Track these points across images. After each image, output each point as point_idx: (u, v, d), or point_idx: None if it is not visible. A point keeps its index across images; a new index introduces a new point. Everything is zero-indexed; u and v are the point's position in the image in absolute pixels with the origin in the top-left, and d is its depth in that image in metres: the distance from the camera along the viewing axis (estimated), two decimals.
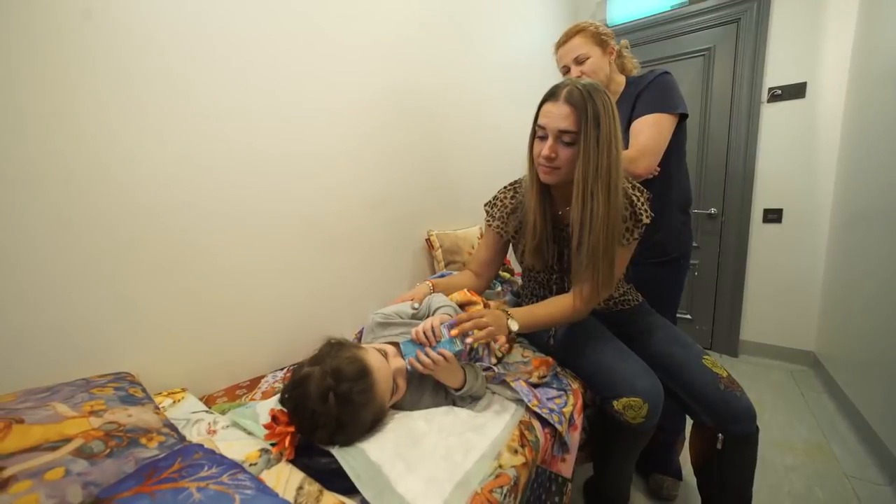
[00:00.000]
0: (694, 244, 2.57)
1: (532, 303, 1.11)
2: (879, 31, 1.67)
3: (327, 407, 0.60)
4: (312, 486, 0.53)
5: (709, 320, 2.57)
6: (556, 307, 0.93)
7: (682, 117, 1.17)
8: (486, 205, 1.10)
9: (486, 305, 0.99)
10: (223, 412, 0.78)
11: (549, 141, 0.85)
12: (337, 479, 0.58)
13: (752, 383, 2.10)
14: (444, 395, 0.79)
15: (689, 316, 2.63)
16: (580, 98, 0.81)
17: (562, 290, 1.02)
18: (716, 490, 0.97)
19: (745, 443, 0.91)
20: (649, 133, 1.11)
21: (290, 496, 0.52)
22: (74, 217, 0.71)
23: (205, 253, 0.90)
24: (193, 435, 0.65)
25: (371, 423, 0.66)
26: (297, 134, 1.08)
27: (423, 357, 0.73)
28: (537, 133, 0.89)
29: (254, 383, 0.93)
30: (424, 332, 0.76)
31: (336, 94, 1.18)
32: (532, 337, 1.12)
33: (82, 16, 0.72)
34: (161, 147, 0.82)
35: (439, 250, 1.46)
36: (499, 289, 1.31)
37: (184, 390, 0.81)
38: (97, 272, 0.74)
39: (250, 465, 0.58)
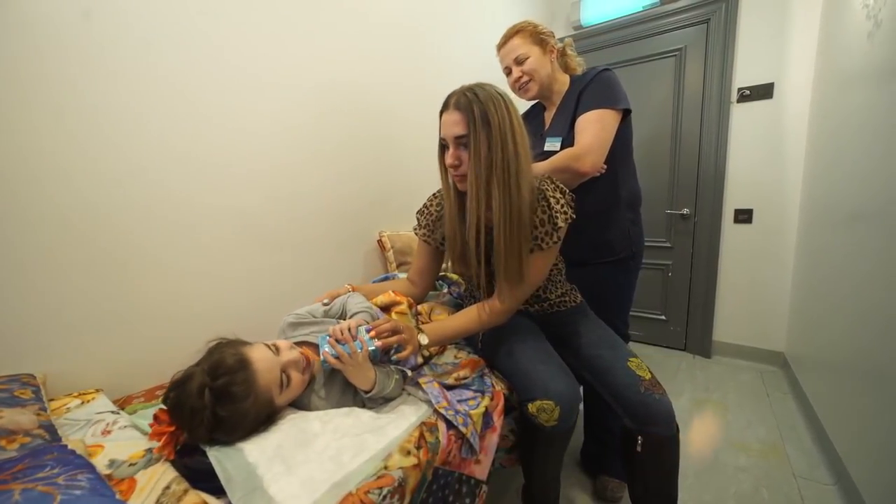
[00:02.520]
0: (668, 244, 2.58)
1: (471, 304, 1.12)
2: (840, 32, 1.67)
3: (203, 403, 0.60)
4: (179, 486, 0.54)
5: (682, 321, 2.57)
6: (464, 319, 0.95)
7: (626, 113, 1.17)
8: (417, 212, 1.11)
9: (411, 306, 0.99)
10: (134, 412, 0.79)
11: (451, 149, 0.86)
12: (217, 479, 0.58)
13: (719, 384, 2.10)
14: (352, 396, 0.80)
15: (663, 317, 2.63)
16: (466, 101, 0.83)
17: (488, 293, 1.02)
18: (640, 492, 0.97)
19: (663, 445, 0.91)
20: (593, 129, 1.10)
21: (155, 495, 0.52)
22: None
23: (128, 251, 0.90)
24: (87, 436, 0.66)
25: (257, 418, 0.67)
26: (233, 127, 1.09)
27: (337, 346, 0.74)
28: (442, 143, 0.90)
29: None
30: (341, 331, 0.77)
31: (280, 88, 1.19)
32: (469, 338, 1.13)
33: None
34: (79, 144, 0.83)
35: (391, 251, 1.47)
36: (445, 290, 1.31)
37: (97, 391, 0.81)
38: (7, 269, 0.74)
39: (130, 464, 0.59)
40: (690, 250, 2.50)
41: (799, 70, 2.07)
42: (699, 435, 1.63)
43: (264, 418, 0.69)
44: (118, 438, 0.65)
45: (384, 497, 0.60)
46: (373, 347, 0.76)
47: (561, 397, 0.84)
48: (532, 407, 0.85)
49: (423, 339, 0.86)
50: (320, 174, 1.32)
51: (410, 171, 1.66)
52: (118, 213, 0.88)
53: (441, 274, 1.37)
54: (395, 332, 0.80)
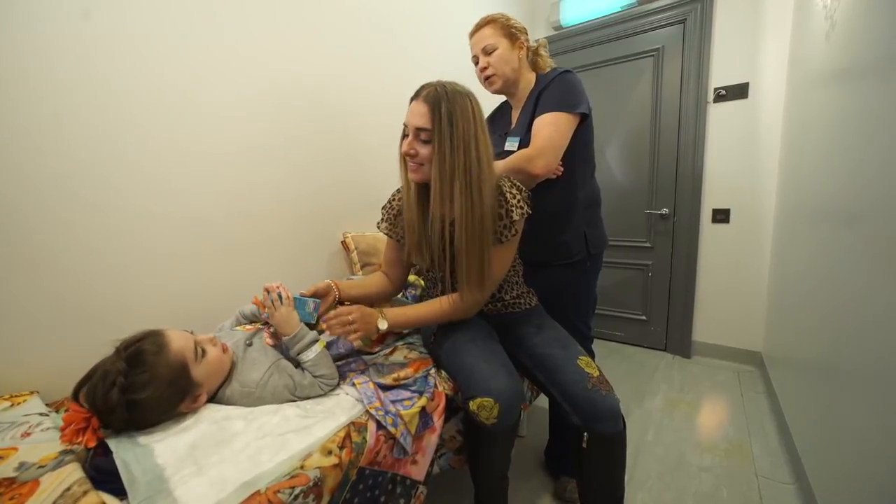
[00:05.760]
0: (648, 244, 2.57)
1: None
2: (806, 32, 1.67)
3: (116, 368, 0.64)
4: (80, 488, 0.54)
5: (663, 322, 2.57)
6: (429, 307, 0.99)
7: (584, 116, 1.16)
8: (382, 207, 1.12)
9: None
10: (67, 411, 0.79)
11: (409, 137, 0.89)
12: None
13: (695, 385, 2.09)
14: (271, 372, 0.82)
15: (643, 317, 2.63)
16: (436, 97, 0.86)
17: (451, 288, 1.02)
18: (586, 489, 0.97)
19: (609, 442, 0.91)
20: (546, 132, 1.10)
21: (53, 497, 0.52)
22: None
23: (72, 252, 0.91)
24: (7, 439, 0.65)
25: (172, 383, 0.69)
26: (187, 125, 1.09)
27: (271, 297, 0.87)
28: (404, 131, 0.93)
29: None
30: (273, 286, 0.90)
31: (235, 82, 1.19)
32: (424, 339, 1.13)
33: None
34: (26, 140, 0.83)
35: (355, 252, 1.47)
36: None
37: (32, 393, 0.81)
38: None
39: (39, 467, 0.59)
40: (670, 250, 2.50)
41: (772, 70, 2.08)
42: (667, 436, 1.62)
43: (181, 389, 0.71)
44: (36, 441, 0.65)
45: (295, 497, 0.59)
46: (307, 316, 0.91)
47: (501, 395, 0.84)
48: (473, 404, 0.85)
49: (382, 325, 0.91)
50: (278, 172, 1.32)
51: (376, 172, 1.65)
52: (55, 210, 0.88)
53: None
54: (343, 324, 0.86)
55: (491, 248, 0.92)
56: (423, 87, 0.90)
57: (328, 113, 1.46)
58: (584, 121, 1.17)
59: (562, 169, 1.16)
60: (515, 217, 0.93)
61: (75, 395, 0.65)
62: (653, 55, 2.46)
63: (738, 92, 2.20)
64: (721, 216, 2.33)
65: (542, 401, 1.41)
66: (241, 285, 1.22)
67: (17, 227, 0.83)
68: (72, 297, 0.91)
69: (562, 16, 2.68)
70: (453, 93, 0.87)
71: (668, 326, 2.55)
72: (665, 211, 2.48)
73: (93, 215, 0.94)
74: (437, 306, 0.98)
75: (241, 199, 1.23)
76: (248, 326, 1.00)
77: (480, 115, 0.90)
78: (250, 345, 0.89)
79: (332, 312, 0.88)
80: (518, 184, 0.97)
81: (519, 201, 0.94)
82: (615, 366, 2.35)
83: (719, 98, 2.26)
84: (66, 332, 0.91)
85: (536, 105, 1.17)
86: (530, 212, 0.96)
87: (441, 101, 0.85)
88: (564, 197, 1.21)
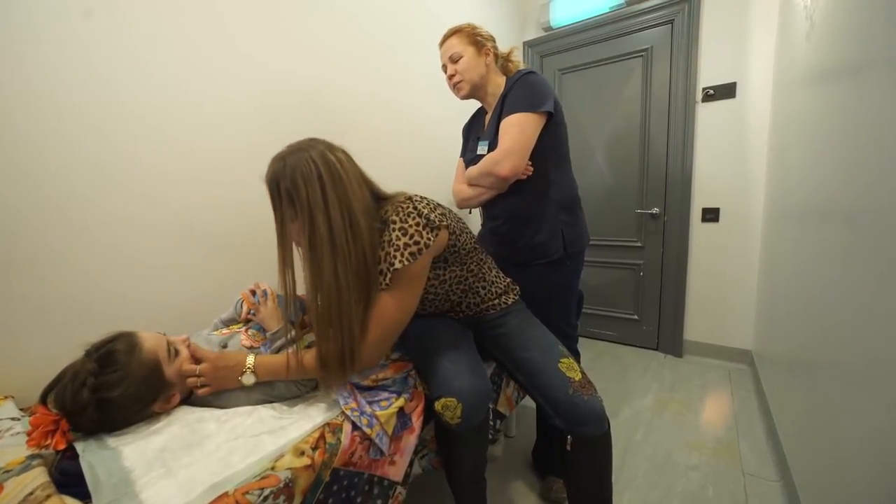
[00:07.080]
0: (639, 244, 2.58)
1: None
2: (789, 32, 1.68)
3: (86, 367, 0.65)
4: (43, 492, 0.53)
5: (655, 321, 2.57)
6: (297, 360, 0.81)
7: (551, 115, 1.15)
8: None
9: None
10: None
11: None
12: None
13: (686, 384, 2.09)
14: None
15: (635, 317, 2.63)
16: (273, 177, 0.78)
17: None
18: (573, 490, 0.96)
19: (593, 444, 0.91)
20: (512, 133, 1.11)
21: (16, 500, 0.52)
22: None
23: (45, 251, 0.90)
24: None
25: (145, 382, 0.69)
26: (187, 124, 1.09)
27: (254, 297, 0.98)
28: None
29: None
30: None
31: (239, 86, 1.19)
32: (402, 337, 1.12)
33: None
34: (26, 140, 0.84)
35: None
36: None
37: (6, 397, 0.81)
38: None
39: (5, 471, 0.58)
40: (661, 250, 2.51)
41: (759, 69, 2.09)
42: (656, 435, 1.62)
43: (154, 389, 0.71)
44: (5, 445, 0.64)
45: (265, 498, 0.59)
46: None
47: (464, 394, 0.83)
48: (438, 405, 0.85)
49: (248, 381, 0.78)
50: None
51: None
52: (36, 209, 0.87)
53: None
54: (199, 374, 0.76)
55: (355, 310, 0.77)
56: (271, 162, 0.80)
57: (325, 115, 1.46)
58: (552, 119, 1.16)
59: (531, 169, 1.16)
60: (397, 265, 0.78)
61: (43, 399, 0.65)
62: (642, 55, 2.47)
63: (726, 91, 2.21)
64: (711, 215, 2.34)
65: (531, 400, 1.41)
66: (231, 285, 1.20)
67: (10, 228, 0.83)
68: (43, 300, 0.90)
69: (551, 17, 2.69)
70: (294, 163, 0.76)
71: (660, 326, 2.55)
72: (656, 210, 2.48)
73: (92, 215, 0.94)
74: (303, 359, 0.80)
75: (237, 198, 1.22)
76: (225, 331, 0.99)
77: (332, 172, 0.77)
78: (225, 346, 0.89)
79: (194, 368, 0.76)
80: (423, 209, 0.81)
81: (411, 240, 0.79)
82: (606, 365, 2.35)
83: (708, 98, 2.27)
84: (43, 336, 0.90)
85: (502, 108, 1.17)
86: (428, 244, 0.80)
87: (279, 179, 0.76)
88: (537, 197, 1.21)
